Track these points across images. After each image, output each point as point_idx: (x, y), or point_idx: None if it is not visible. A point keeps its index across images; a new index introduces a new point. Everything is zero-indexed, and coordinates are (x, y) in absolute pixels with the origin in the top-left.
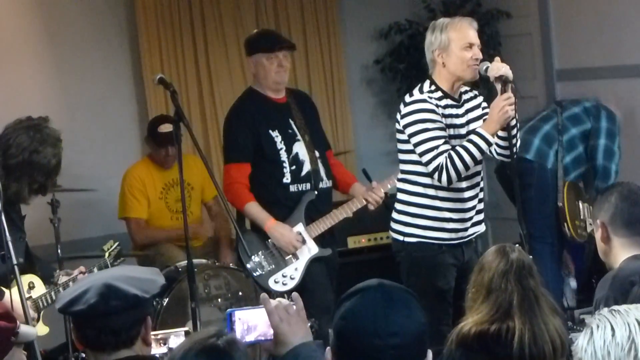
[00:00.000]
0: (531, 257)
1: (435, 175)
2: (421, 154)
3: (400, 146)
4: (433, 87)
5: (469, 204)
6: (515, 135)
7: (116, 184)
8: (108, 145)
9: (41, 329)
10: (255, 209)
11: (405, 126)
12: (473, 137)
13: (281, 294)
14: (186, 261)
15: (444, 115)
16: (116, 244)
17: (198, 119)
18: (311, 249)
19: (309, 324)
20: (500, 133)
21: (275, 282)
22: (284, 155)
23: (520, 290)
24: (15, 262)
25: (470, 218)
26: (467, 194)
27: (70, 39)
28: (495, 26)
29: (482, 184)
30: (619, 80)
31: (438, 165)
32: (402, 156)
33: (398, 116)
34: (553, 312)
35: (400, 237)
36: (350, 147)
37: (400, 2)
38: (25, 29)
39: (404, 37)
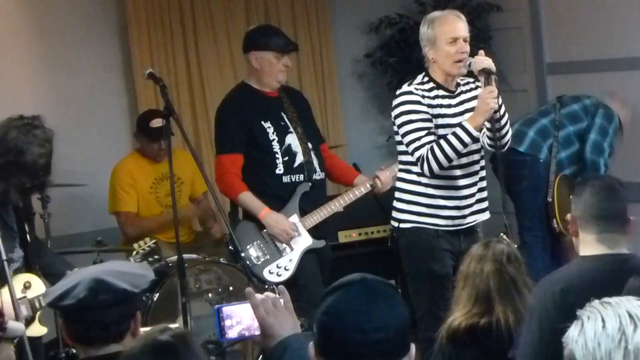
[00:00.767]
0: (518, 246)
1: (419, 165)
2: (407, 145)
3: (396, 137)
4: (426, 79)
5: (465, 192)
6: (503, 127)
7: (106, 179)
8: (98, 139)
9: (38, 330)
10: (249, 198)
11: (395, 117)
12: (457, 129)
13: (276, 285)
14: (176, 256)
15: (432, 106)
16: (152, 241)
17: (188, 113)
18: (305, 241)
19: (300, 323)
20: (487, 124)
21: (270, 272)
22: (276, 146)
23: (497, 275)
24: (4, 257)
25: (469, 206)
26: (462, 182)
27: (60, 33)
28: (486, 20)
29: (482, 173)
30: (609, 74)
31: (420, 156)
32: (398, 146)
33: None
34: None
35: (397, 224)
36: (341, 141)
37: None
38: (15, 23)
39: (395, 30)
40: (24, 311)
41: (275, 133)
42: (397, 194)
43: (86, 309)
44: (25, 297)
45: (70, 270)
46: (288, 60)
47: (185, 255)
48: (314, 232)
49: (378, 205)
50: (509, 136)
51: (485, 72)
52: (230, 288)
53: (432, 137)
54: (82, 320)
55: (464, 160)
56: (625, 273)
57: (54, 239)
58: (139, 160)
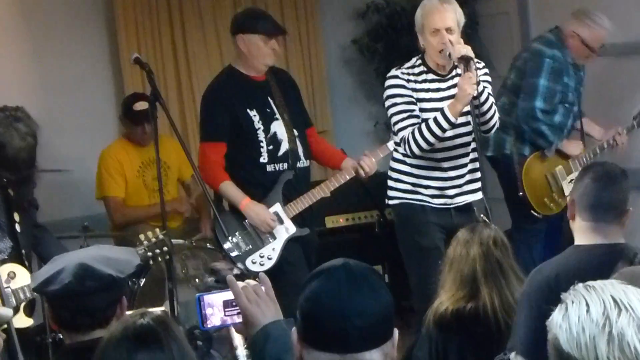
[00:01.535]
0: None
1: (402, 146)
2: (393, 126)
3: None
4: (418, 62)
5: (451, 174)
6: (486, 112)
7: (93, 164)
8: (85, 125)
9: (23, 321)
10: (229, 189)
11: (384, 100)
12: (437, 114)
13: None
14: None
15: (417, 90)
16: (162, 232)
17: (175, 99)
18: (289, 229)
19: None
20: (467, 108)
21: (253, 262)
22: (261, 135)
23: (483, 258)
24: None
25: (457, 187)
26: (446, 165)
27: (46, 18)
28: (473, 6)
29: (473, 155)
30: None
31: (402, 137)
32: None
33: None
34: (521, 283)
35: (388, 201)
36: (328, 127)
37: None
38: (2, 9)
39: (382, 16)
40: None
41: (260, 122)
42: (389, 172)
43: (72, 295)
44: (8, 287)
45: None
46: (276, 44)
47: (172, 241)
48: (299, 219)
49: (365, 190)
50: (494, 121)
51: (464, 59)
52: None
53: (414, 120)
54: (67, 306)
55: (449, 143)
56: (620, 262)
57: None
58: (126, 146)
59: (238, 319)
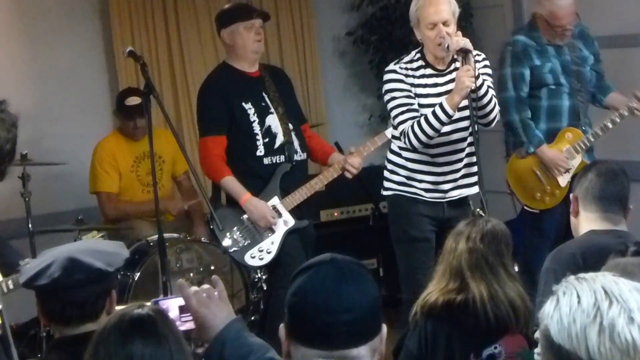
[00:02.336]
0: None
1: (402, 139)
2: (393, 119)
3: None
4: (417, 57)
5: (446, 168)
6: (486, 105)
7: (87, 157)
8: (79, 117)
9: None
10: (231, 183)
11: (383, 94)
12: (436, 108)
13: (259, 268)
14: (157, 235)
15: (415, 85)
16: (99, 235)
17: (169, 91)
18: (287, 222)
19: None
20: (465, 103)
21: (252, 257)
22: (257, 128)
23: (468, 252)
24: None
25: (452, 181)
26: (442, 160)
27: (40, 11)
28: None
29: (470, 149)
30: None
31: (402, 131)
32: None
33: None
34: (512, 279)
35: (383, 192)
36: (323, 120)
37: None
38: None
39: (376, 9)
40: None
41: (255, 114)
42: (385, 163)
43: (61, 288)
44: None
45: (21, 260)
46: (259, 28)
47: (166, 235)
48: (297, 212)
49: (359, 184)
50: (494, 114)
51: (463, 51)
52: (212, 267)
53: (414, 114)
54: (57, 299)
55: (445, 138)
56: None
57: (34, 218)
58: (120, 139)
59: (194, 325)
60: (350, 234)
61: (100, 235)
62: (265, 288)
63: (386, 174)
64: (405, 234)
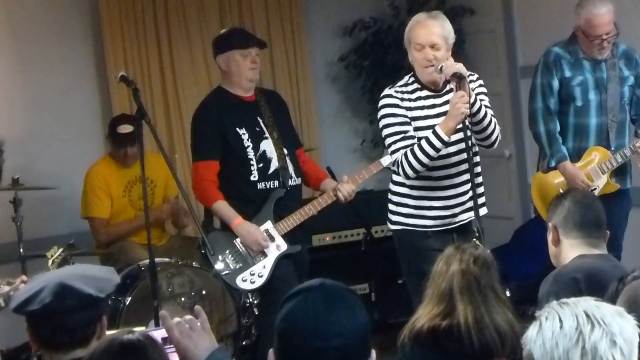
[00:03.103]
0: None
1: (396, 169)
2: (387, 147)
3: None
4: (411, 80)
5: (451, 192)
6: (485, 128)
7: (79, 181)
8: (71, 142)
9: None
10: (223, 208)
11: (378, 120)
12: (429, 134)
13: (250, 292)
14: (148, 259)
15: (411, 109)
16: (60, 250)
17: (162, 116)
18: (280, 246)
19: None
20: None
21: (243, 280)
22: (251, 153)
23: (461, 274)
24: None
25: (461, 204)
26: (446, 183)
27: (33, 34)
28: (459, 23)
29: (474, 170)
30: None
31: (395, 160)
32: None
33: None
34: (501, 304)
35: (389, 225)
36: (315, 145)
37: None
38: None
39: (369, 34)
40: None
41: (250, 139)
42: (389, 195)
43: (52, 314)
44: None
45: None
46: (255, 56)
47: (158, 259)
48: (290, 237)
49: (352, 209)
50: (495, 135)
51: (457, 76)
52: (203, 292)
53: (408, 142)
54: (47, 325)
55: (446, 161)
56: (620, 269)
57: (25, 242)
58: (111, 164)
59: (177, 357)
60: (342, 259)
61: (61, 250)
62: (257, 313)
63: (392, 207)
64: (419, 270)
